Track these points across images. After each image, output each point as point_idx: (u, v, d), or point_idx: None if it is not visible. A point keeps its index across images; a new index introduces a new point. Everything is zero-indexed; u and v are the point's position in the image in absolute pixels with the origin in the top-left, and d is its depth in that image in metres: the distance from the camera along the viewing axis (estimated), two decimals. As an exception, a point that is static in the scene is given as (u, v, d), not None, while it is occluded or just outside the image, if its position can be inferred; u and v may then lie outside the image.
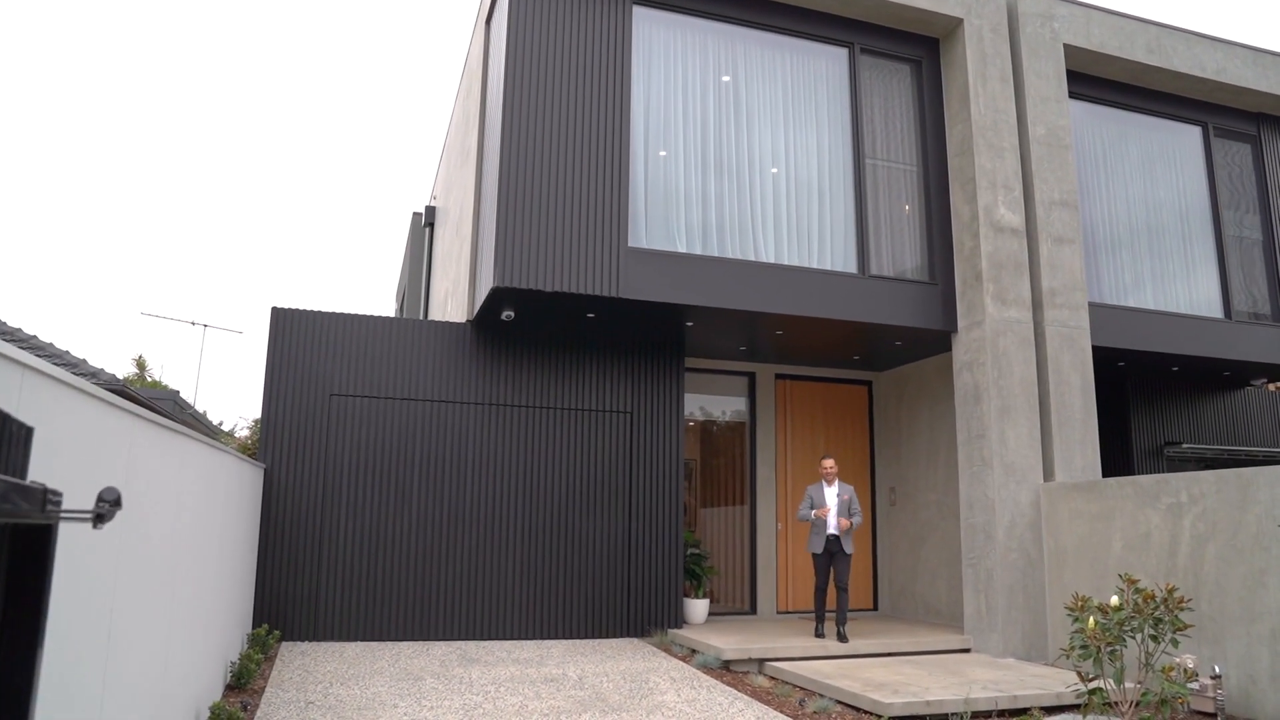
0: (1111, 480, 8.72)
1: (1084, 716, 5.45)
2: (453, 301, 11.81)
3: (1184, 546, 7.92)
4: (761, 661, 8.56)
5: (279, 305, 9.65)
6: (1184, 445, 12.78)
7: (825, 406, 12.39)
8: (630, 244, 9.14)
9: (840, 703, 7.12)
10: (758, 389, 12.03)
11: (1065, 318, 10.06)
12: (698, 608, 10.47)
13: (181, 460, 4.72)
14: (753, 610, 11.48)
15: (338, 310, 9.60)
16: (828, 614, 9.75)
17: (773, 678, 8.22)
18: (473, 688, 7.21)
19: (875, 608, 12.06)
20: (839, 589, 9.20)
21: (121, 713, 3.60)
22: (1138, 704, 5.28)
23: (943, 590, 11.10)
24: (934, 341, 10.76)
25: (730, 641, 8.89)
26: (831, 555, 9.20)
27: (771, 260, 9.66)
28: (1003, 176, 10.16)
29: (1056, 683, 7.68)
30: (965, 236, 10.16)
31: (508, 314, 9.47)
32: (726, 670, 8.40)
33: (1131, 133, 11.89)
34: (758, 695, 7.42)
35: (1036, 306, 10.06)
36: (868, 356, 11.77)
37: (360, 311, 9.72)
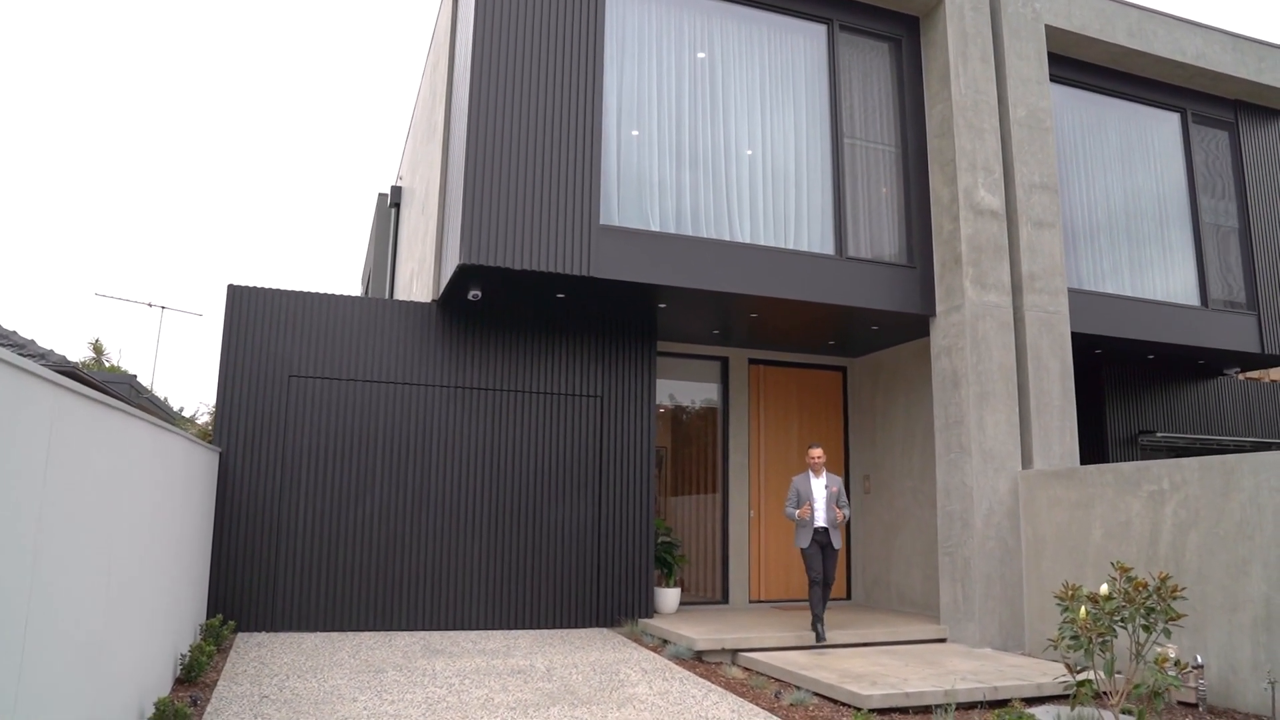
0: (1092, 467, 8.57)
1: (1073, 708, 5.26)
2: (418, 282, 11.44)
3: (1165, 535, 7.78)
4: (735, 652, 8.33)
5: (235, 283, 9.25)
6: (1158, 434, 12.72)
7: (799, 393, 12.18)
8: (602, 222, 8.83)
9: (817, 694, 6.90)
10: (730, 374, 11.78)
11: (1045, 303, 9.90)
12: (669, 597, 10.23)
13: (122, 438, 4.37)
14: (724, 600, 11.26)
15: (297, 289, 9.21)
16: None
17: (746, 669, 7.99)
18: (436, 680, 6.91)
19: (849, 597, 11.89)
20: (825, 584, 8.73)
21: (41, 711, 3.26)
22: (1128, 695, 5.09)
23: (918, 579, 10.94)
24: (911, 326, 10.57)
25: (702, 631, 8.65)
26: (821, 548, 8.69)
27: (747, 241, 9.40)
28: (983, 158, 9.96)
29: (1035, 673, 7.52)
30: (944, 219, 9.96)
31: (474, 294, 9.14)
32: (699, 661, 8.16)
33: (1110, 118, 11.76)
34: (732, 687, 7.18)
35: (1016, 291, 9.89)
36: (843, 342, 11.56)
37: (322, 291, 9.34)
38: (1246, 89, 12.32)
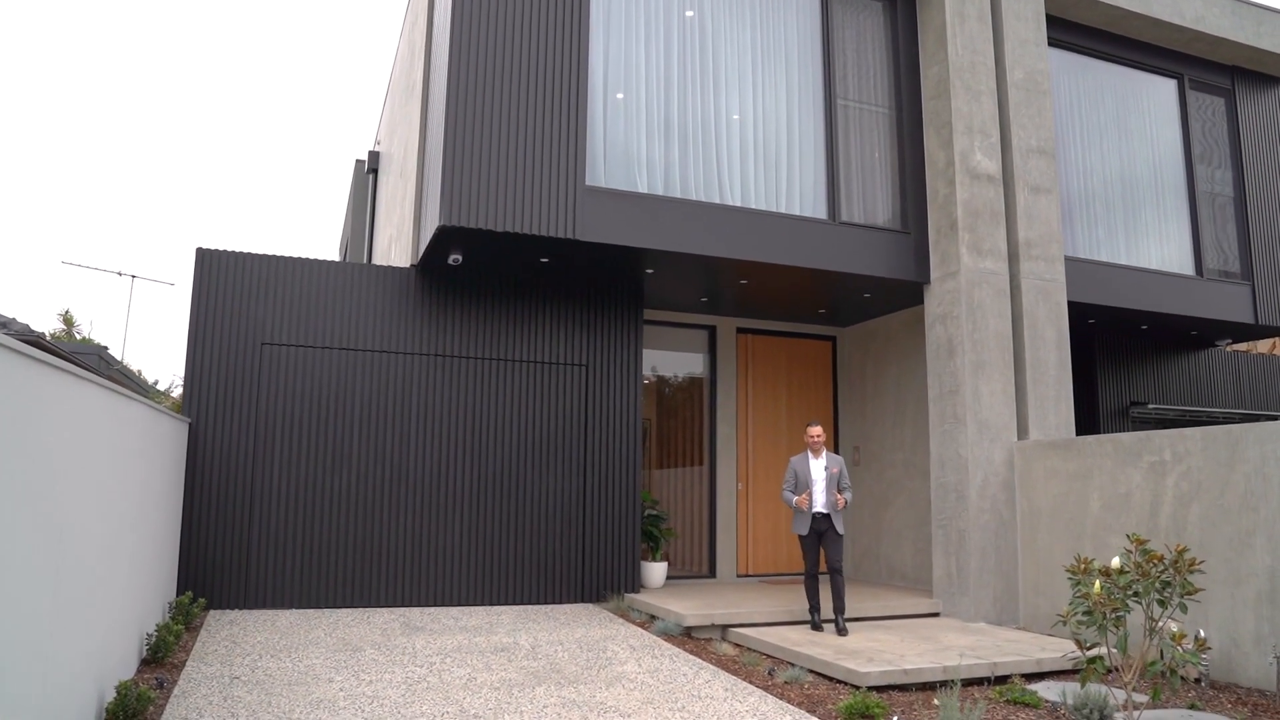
0: (1090, 438, 8.36)
1: (1083, 686, 5.05)
2: (396, 248, 11.06)
3: (1166, 507, 7.59)
4: (725, 628, 8.11)
5: (204, 246, 8.85)
6: (1149, 406, 12.56)
7: (788, 362, 11.92)
8: (588, 183, 8.49)
9: (812, 672, 6.68)
10: (718, 343, 11.50)
11: (1041, 270, 9.66)
12: (655, 571, 9.99)
13: (74, 404, 4.03)
14: (712, 574, 11.04)
15: (269, 252, 8.82)
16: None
17: (738, 645, 7.77)
18: (416, 659, 6.63)
19: (837, 570, 11.69)
20: (832, 572, 7.88)
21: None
22: (1141, 673, 4.88)
23: (908, 553, 10.75)
24: (904, 294, 10.30)
25: (691, 607, 8.42)
26: (820, 535, 7.92)
27: (738, 204, 9.08)
28: (979, 121, 9.67)
29: (1034, 648, 7.34)
30: (940, 183, 9.67)
31: (455, 258, 8.78)
32: (688, 637, 7.92)
33: (1107, 83, 11.48)
34: (723, 664, 6.95)
35: (1012, 258, 9.64)
36: (834, 310, 11.29)
37: (295, 255, 8.95)
38: (1245, 54, 12.07)
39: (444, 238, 8.23)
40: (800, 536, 8.02)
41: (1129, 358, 12.77)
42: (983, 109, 9.71)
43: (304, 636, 7.26)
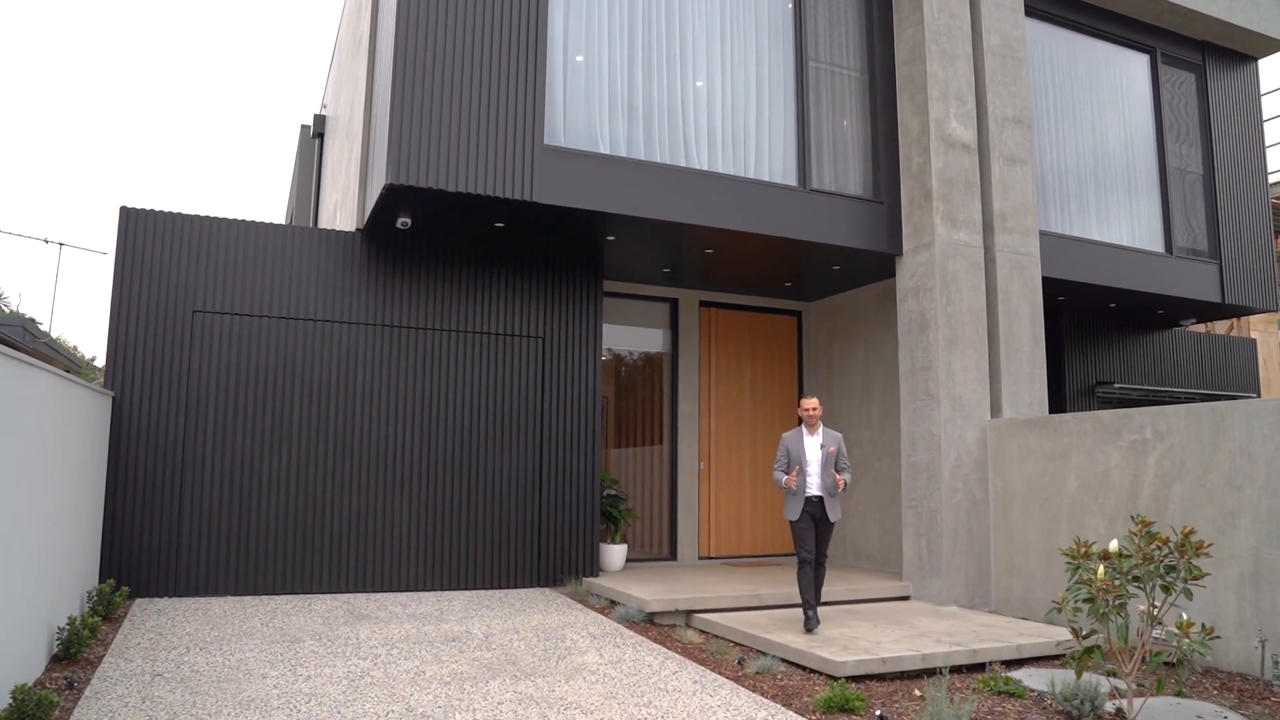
0: (1068, 416, 8.08)
1: (1079, 676, 4.72)
2: (342, 213, 10.42)
3: (1147, 487, 7.34)
4: (689, 613, 7.71)
5: (130, 205, 8.17)
6: (1115, 385, 12.40)
7: (753, 338, 11.52)
8: (546, 142, 7.96)
9: (785, 661, 6.30)
10: (680, 317, 11.06)
11: (1016, 243, 9.35)
12: (615, 554, 9.56)
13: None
14: (673, 556, 10.65)
15: (202, 213, 8.17)
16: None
17: (703, 631, 7.38)
18: (360, 650, 6.12)
19: (801, 552, 11.37)
20: (816, 563, 7.15)
21: None
22: (1144, 662, 4.56)
23: (875, 534, 10.45)
24: (873, 267, 9.95)
25: (653, 591, 8.01)
26: (814, 521, 7.05)
27: (704, 167, 8.62)
28: (955, 87, 9.30)
29: (1011, 633, 7.05)
30: (914, 151, 9.30)
31: (403, 221, 8.21)
32: (651, 624, 7.51)
33: (1081, 55, 11.19)
34: (689, 653, 6.54)
35: (987, 230, 9.32)
36: (801, 283, 10.90)
37: (230, 216, 8.31)
38: (1216, 29, 11.86)
39: (391, 198, 7.66)
40: (791, 523, 7.12)
41: (1095, 337, 12.59)
42: (959, 75, 9.35)
43: (238, 627, 6.71)
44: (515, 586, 8.84)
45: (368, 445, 8.46)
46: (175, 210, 8.11)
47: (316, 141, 15.04)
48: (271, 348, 8.25)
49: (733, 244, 9.02)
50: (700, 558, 10.77)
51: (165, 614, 7.05)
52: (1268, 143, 13.43)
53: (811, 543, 7.06)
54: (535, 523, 8.99)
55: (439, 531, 8.61)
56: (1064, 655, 6.81)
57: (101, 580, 7.43)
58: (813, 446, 7.16)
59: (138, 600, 7.54)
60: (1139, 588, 4.52)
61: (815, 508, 7.02)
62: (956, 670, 6.30)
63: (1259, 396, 14.51)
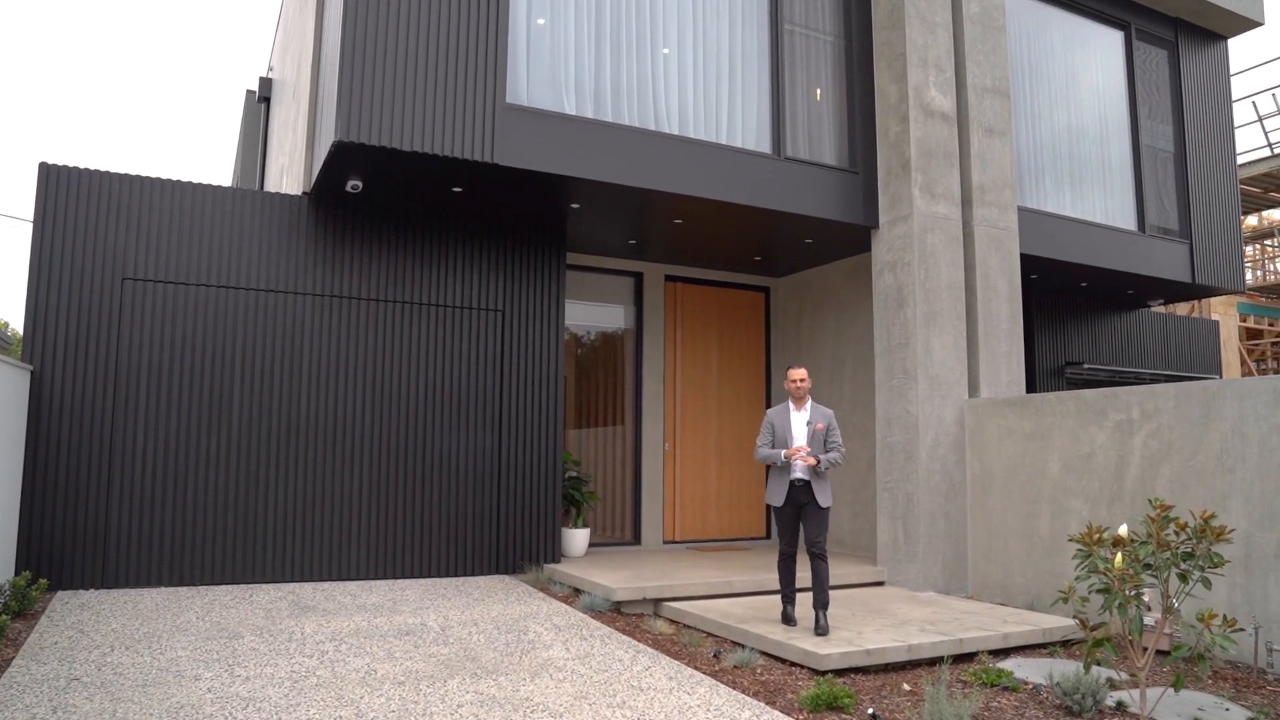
0: (1050, 395, 7.80)
1: (1086, 670, 4.40)
2: (288, 177, 9.79)
3: (1133, 468, 7.08)
4: (658, 602, 7.31)
5: (49, 161, 7.49)
6: (1084, 366, 12.23)
7: (719, 315, 11.12)
8: (509, 100, 7.44)
9: (764, 654, 5.93)
10: (645, 292, 10.61)
11: (994, 217, 9.05)
12: (577, 539, 9.13)
13: None
14: (637, 541, 10.25)
15: (132, 172, 7.52)
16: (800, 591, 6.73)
17: (674, 621, 6.98)
18: (305, 646, 5.62)
19: (768, 536, 11.05)
20: (812, 556, 6.32)
21: None
22: (1165, 655, 4.25)
23: (845, 517, 10.15)
24: (846, 241, 9.59)
25: (620, 579, 7.59)
26: (800, 508, 6.35)
27: (675, 132, 8.16)
28: (934, 55, 8.94)
29: (995, 620, 6.76)
30: (891, 120, 8.93)
31: (354, 184, 7.65)
32: (618, 613, 7.10)
33: (1056, 28, 10.90)
34: (661, 646, 6.14)
35: (965, 203, 8.99)
36: (770, 257, 10.51)
37: (164, 176, 7.66)
38: (1189, 6, 11.65)
39: (341, 158, 7.09)
40: (774, 509, 6.49)
41: (1064, 317, 12.39)
42: (938, 42, 8.99)
43: (171, 621, 6.16)
44: (473, 574, 8.37)
45: (315, 424, 7.90)
46: (102, 169, 7.45)
47: (262, 106, 14.29)
48: (209, 319, 7.65)
49: (703, 214, 8.59)
50: (665, 542, 10.38)
51: (89, 608, 6.46)
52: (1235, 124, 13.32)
53: (795, 533, 6.41)
54: (494, 506, 8.52)
55: (391, 516, 8.10)
56: (1049, 644, 6.57)
57: (17, 573, 6.81)
58: (799, 423, 6.46)
59: (59, 594, 6.93)
60: (1153, 576, 4.20)
61: (801, 492, 6.31)
62: (941, 661, 5.99)
63: (1221, 377, 14.49)
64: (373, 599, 7.15)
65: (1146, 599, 6.10)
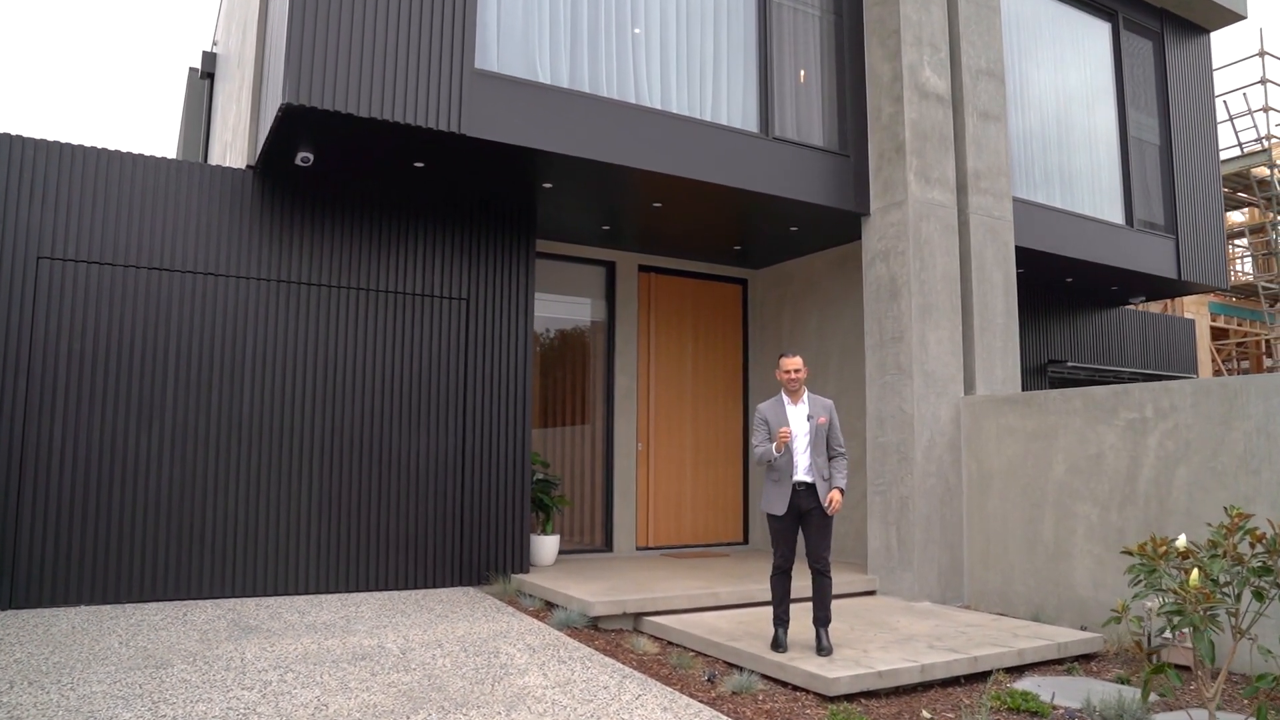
0: (1055, 392, 7.33)
1: (1144, 699, 3.87)
2: (232, 152, 9.01)
3: (1146, 470, 6.62)
4: (638, 616, 6.69)
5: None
6: (1067, 364, 11.87)
7: (695, 307, 10.54)
8: (478, 66, 6.77)
9: (763, 676, 5.34)
10: (618, 282, 9.99)
11: (990, 205, 8.58)
12: (547, 546, 8.48)
13: None
14: (608, 547, 9.62)
15: (48, 138, 6.72)
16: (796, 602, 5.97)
17: (658, 638, 6.37)
18: (245, 676, 4.91)
19: (746, 541, 10.49)
20: (815, 572, 5.66)
21: None
22: (1224, 685, 3.74)
23: (828, 521, 9.61)
24: (830, 230, 9.07)
25: (596, 590, 6.97)
26: (801, 516, 5.65)
27: (656, 106, 7.56)
28: (929, 33, 8.45)
29: (1004, 634, 6.25)
30: (884, 101, 8.42)
31: (304, 156, 6.92)
32: (596, 630, 6.47)
33: (1044, 15, 10.48)
34: (648, 668, 5.53)
35: (960, 190, 8.51)
36: (750, 246, 9.95)
37: (87, 144, 6.86)
38: (1172, -4, 11.36)
39: (289, 125, 6.36)
40: (771, 517, 5.71)
41: (1046, 314, 12.03)
42: (932, 19, 8.50)
43: (88, 648, 5.40)
44: (435, 586, 7.67)
45: (259, 422, 7.15)
46: (13, 133, 6.63)
47: (206, 83, 13.40)
48: (140, 304, 6.86)
49: (685, 196, 7.99)
50: (638, 548, 9.76)
51: (-3, 629, 5.67)
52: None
53: (793, 545, 5.69)
54: (457, 512, 7.83)
55: (344, 523, 7.38)
56: (1065, 660, 6.08)
57: (-84, 587, 5.99)
58: (797, 418, 5.69)
59: (-36, 611, 6.13)
60: (1224, 594, 3.69)
61: (804, 498, 5.59)
62: (955, 681, 5.46)
63: (1197, 376, 14.28)
64: (324, 616, 6.44)
65: (1239, 621, 5.66)
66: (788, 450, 5.67)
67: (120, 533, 6.63)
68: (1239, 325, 18.90)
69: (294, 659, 5.28)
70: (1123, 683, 5.53)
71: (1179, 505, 6.39)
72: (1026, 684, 5.43)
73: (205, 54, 13.25)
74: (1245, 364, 20.05)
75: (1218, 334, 19.73)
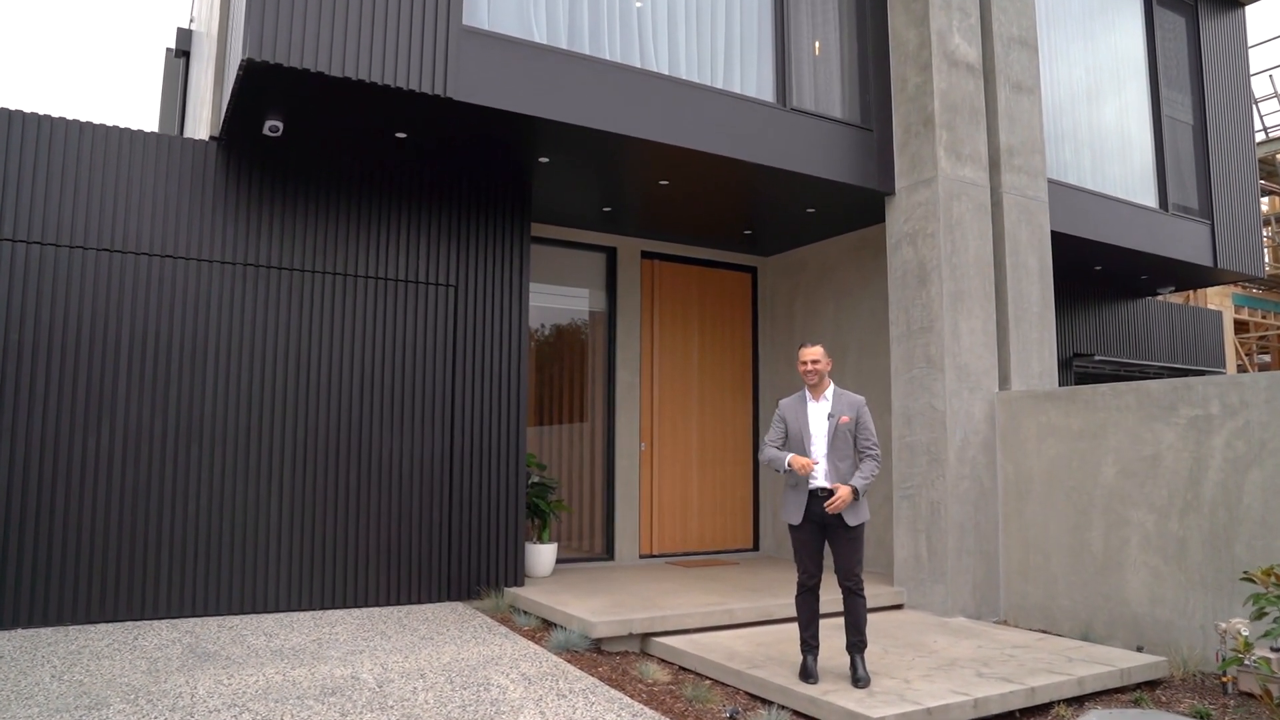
0: (1104, 387, 6.65)
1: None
2: (199, 125, 8.28)
3: (1212, 473, 5.95)
4: (645, 637, 6.00)
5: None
6: (1095, 357, 11.19)
7: (701, 296, 9.84)
8: (466, 22, 6.06)
9: (794, 712, 4.65)
10: (619, 269, 9.28)
11: (1024, 184, 7.90)
12: (543, 555, 7.79)
13: None
14: (609, 555, 8.92)
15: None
16: (824, 616, 5.30)
17: (668, 663, 5.68)
18: (193, 718, 4.20)
19: (756, 548, 9.80)
20: (846, 590, 4.99)
21: None
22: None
23: (846, 526, 8.92)
24: (851, 212, 8.39)
25: (598, 607, 6.28)
26: (824, 528, 4.98)
27: (664, 71, 6.86)
28: (958, -4, 7.76)
29: (1056, 658, 5.57)
30: (910, 70, 7.73)
31: (273, 125, 6.21)
32: (599, 653, 5.78)
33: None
34: (661, 703, 4.84)
35: (993, 168, 7.83)
36: (762, 230, 9.25)
37: (30, 110, 6.13)
38: (1209, -35, 10.68)
39: (253, 86, 5.65)
40: (791, 527, 5.07)
41: (1070, 304, 11.34)
42: (961, -19, 7.80)
43: (13, 684, 4.68)
44: (420, 601, 6.97)
45: (223, 421, 6.43)
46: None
47: (181, 62, 12.65)
48: (88, 289, 6.14)
49: (695, 172, 7.30)
50: (641, 556, 9.07)
51: (-85, 659, 4.96)
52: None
53: (818, 560, 5.02)
54: (444, 520, 7.13)
55: (318, 533, 6.66)
56: (1128, 688, 5.41)
57: None
58: (818, 416, 5.03)
59: (-118, 636, 5.41)
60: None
61: (823, 505, 4.89)
62: (1010, 716, 4.78)
63: (1225, 371, 13.63)
64: (293, 640, 5.73)
65: (1244, 629, 4.98)
66: (803, 449, 5.00)
67: (64, 545, 5.90)
68: (1263, 318, 18.24)
69: (252, 694, 4.57)
70: (1202, 717, 4.85)
71: (1252, 513, 5.72)
72: (1092, 719, 4.76)
73: (180, 31, 12.51)
74: (1266, 358, 19.39)
75: (1238, 327, 19.07)
